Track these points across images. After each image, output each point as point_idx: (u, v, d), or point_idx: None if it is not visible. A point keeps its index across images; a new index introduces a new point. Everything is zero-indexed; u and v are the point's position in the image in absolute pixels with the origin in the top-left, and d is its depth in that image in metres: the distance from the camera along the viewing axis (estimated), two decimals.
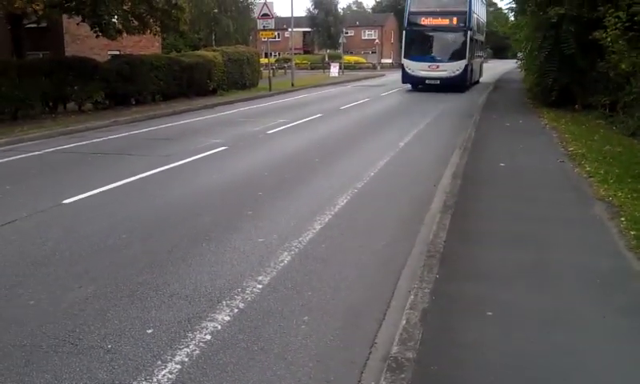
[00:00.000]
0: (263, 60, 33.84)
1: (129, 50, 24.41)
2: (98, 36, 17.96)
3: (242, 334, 3.81)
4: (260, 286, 4.56)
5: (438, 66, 25.77)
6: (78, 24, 18.76)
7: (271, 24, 25.96)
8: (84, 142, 12.06)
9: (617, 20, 11.48)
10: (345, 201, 7.19)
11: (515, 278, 4.54)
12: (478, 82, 32.12)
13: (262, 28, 26.11)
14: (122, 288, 4.52)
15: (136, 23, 18.29)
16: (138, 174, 8.64)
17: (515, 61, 32.99)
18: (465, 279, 4.54)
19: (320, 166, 9.55)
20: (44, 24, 20.64)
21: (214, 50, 25.87)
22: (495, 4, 75.40)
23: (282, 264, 5.05)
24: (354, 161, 9.98)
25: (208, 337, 3.76)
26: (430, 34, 26.42)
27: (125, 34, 18.69)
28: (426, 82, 26.18)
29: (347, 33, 65.66)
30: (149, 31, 19.19)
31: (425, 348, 3.45)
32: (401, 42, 29.20)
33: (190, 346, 3.64)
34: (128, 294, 4.42)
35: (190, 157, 10.05)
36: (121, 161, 10.10)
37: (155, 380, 3.29)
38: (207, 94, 22.71)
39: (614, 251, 5.10)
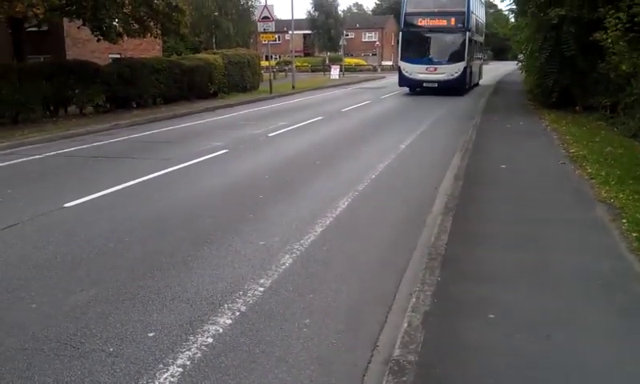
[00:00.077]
0: (264, 63, 33.90)
1: (130, 53, 24.46)
2: (99, 40, 18.01)
3: (243, 336, 3.81)
4: (261, 289, 4.56)
5: (435, 69, 25.15)
6: (78, 27, 18.81)
7: (272, 27, 26.03)
8: (85, 146, 12.07)
9: (617, 21, 11.48)
10: (346, 203, 7.19)
11: (517, 279, 4.54)
12: (477, 84, 31.51)
13: (262, 31, 26.19)
14: (123, 291, 4.52)
15: (136, 26, 18.33)
16: (140, 177, 8.65)
17: (516, 62, 32.83)
18: (466, 281, 4.54)
19: (321, 168, 9.56)
20: (45, 27, 20.72)
21: (214, 53, 25.94)
22: (495, 5, 75.49)
23: (283, 267, 5.05)
24: (355, 163, 9.99)
25: (210, 340, 3.76)
26: (428, 35, 25.71)
27: (125, 38, 18.73)
28: (424, 85, 25.59)
29: (347, 35, 65.75)
30: (149, 34, 19.24)
31: (427, 350, 3.44)
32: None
33: (192, 349, 3.64)
34: (129, 297, 4.42)
35: (191, 160, 10.05)
36: (122, 164, 10.11)
37: (157, 383, 3.29)
38: (208, 96, 22.74)
39: (616, 253, 5.10)
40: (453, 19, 25.07)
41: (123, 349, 3.65)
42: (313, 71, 54.23)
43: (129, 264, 5.12)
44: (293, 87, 29.74)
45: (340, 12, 73.50)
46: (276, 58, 57.76)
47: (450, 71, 24.87)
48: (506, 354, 3.43)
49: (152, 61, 20.68)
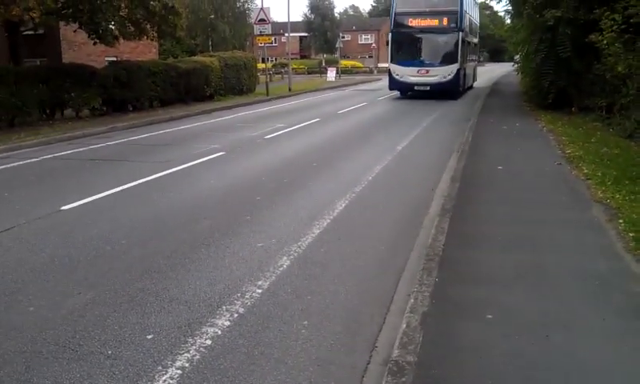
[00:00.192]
0: (260, 65, 33.88)
1: (126, 56, 24.41)
2: (95, 43, 17.99)
3: (242, 338, 3.81)
4: (260, 291, 4.57)
5: (427, 71, 23.94)
6: (75, 31, 18.77)
7: (268, 29, 26.03)
8: (82, 149, 12.06)
9: (613, 22, 11.52)
10: (343, 205, 7.20)
11: (514, 280, 4.55)
12: (471, 87, 30.52)
13: (258, 33, 26.17)
14: (121, 294, 4.52)
15: (132, 29, 18.30)
16: (137, 179, 8.64)
17: (512, 64, 32.79)
18: (464, 282, 4.55)
19: (318, 170, 9.56)
20: (41, 31, 20.65)
21: (210, 56, 25.91)
22: (491, 7, 75.70)
23: (281, 269, 5.05)
24: (352, 165, 10.00)
25: (208, 342, 3.76)
26: (419, 36, 24.42)
27: (122, 41, 18.71)
28: (415, 88, 24.40)
29: (344, 37, 65.74)
30: (146, 37, 19.21)
31: (425, 351, 3.45)
32: None
33: (191, 351, 3.64)
34: (127, 299, 4.42)
35: (188, 162, 10.05)
36: (119, 167, 10.10)
37: None
38: (205, 99, 22.74)
39: (613, 253, 5.11)
40: (445, 19, 23.88)
41: (121, 351, 3.65)
42: (309, 73, 54.30)
43: (126, 266, 5.12)
44: (289, 89, 29.76)
45: (336, 14, 73.76)
46: (272, 61, 57.71)
47: (442, 74, 23.74)
48: (505, 354, 3.44)
49: (148, 64, 20.66)
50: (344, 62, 57.29)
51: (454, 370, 3.28)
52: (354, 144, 12.50)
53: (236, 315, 4.14)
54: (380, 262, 5.35)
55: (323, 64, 56.08)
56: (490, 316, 3.91)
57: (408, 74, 24.31)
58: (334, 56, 60.00)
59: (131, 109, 19.13)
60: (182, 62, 22.90)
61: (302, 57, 71.19)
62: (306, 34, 70.31)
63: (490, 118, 16.25)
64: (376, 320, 4.12)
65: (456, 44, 23.67)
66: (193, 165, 9.91)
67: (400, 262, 5.27)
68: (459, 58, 23.70)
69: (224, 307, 4.27)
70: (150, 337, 3.83)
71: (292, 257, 5.34)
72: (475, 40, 31.61)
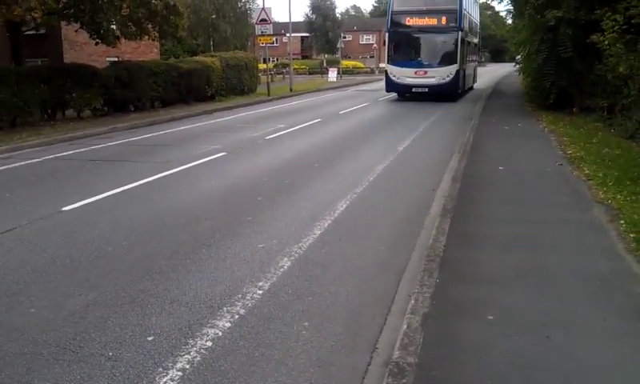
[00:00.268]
0: (261, 65, 33.88)
1: (127, 56, 24.44)
2: (96, 43, 18.00)
3: (242, 340, 3.82)
4: (260, 292, 4.57)
5: (425, 72, 22.99)
6: (76, 31, 18.79)
7: (269, 29, 26.02)
8: (83, 149, 12.07)
9: (614, 23, 11.50)
10: (344, 205, 7.20)
11: (515, 281, 4.55)
12: (472, 88, 29.69)
13: (260, 33, 26.18)
14: (122, 295, 4.52)
15: (134, 28, 18.31)
16: (138, 180, 8.64)
17: (513, 64, 32.66)
18: (465, 283, 4.55)
19: (319, 170, 9.56)
20: (42, 31, 20.68)
21: (212, 56, 25.91)
22: (493, 7, 75.64)
23: (282, 269, 5.05)
24: (353, 165, 10.00)
25: (209, 343, 3.76)
26: (416, 35, 23.38)
27: (123, 41, 18.72)
28: (413, 90, 23.40)
29: (345, 37, 65.78)
30: (147, 36, 19.22)
31: (426, 352, 3.45)
32: None
33: (191, 353, 3.64)
34: (128, 300, 4.42)
35: (189, 163, 10.06)
36: (120, 167, 10.11)
37: None
38: (206, 99, 22.75)
39: (614, 254, 5.11)
40: (444, 18, 22.88)
41: (122, 353, 3.65)
42: (310, 74, 54.28)
43: (128, 267, 5.12)
44: (290, 90, 29.77)
45: (337, 14, 73.66)
46: (274, 61, 57.75)
47: (441, 75, 22.81)
48: (506, 354, 3.44)
49: (150, 64, 20.68)
50: (345, 63, 57.27)
51: (455, 370, 3.28)
52: (355, 144, 12.50)
53: (237, 316, 4.14)
54: (381, 262, 5.35)
55: (324, 64, 56.08)
56: (490, 316, 3.91)
57: (405, 76, 23.44)
58: (335, 56, 59.95)
59: (132, 109, 19.15)
60: (183, 62, 22.91)
61: (304, 57, 71.19)
62: (307, 35, 70.33)
63: (492, 118, 16.24)
64: (377, 321, 4.12)
65: (455, 44, 22.85)
66: (194, 165, 9.92)
67: (401, 262, 5.27)
68: (458, 58, 22.93)
69: (225, 308, 4.27)
70: (150, 338, 3.83)
71: (293, 258, 5.35)
72: (475, 40, 30.70)
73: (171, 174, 9.24)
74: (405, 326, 3.78)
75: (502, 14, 50.20)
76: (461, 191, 7.46)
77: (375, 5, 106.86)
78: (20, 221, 6.57)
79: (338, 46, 54.78)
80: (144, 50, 26.86)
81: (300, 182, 8.66)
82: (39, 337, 3.86)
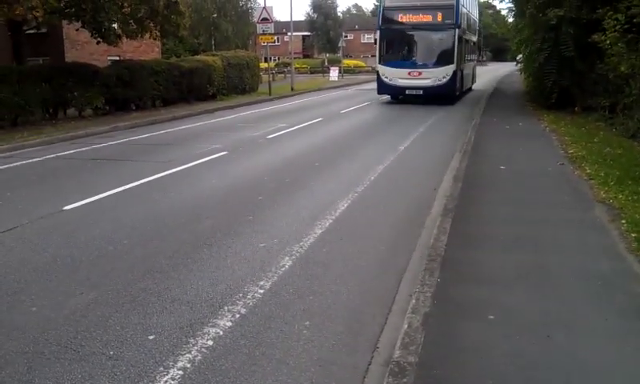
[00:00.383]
0: (263, 64, 33.91)
1: (129, 55, 24.46)
2: (98, 42, 18.01)
3: (243, 339, 3.82)
4: (261, 291, 4.57)
5: (420, 73, 21.30)
6: (77, 30, 18.80)
7: (271, 28, 26.00)
8: (84, 148, 12.07)
9: (616, 22, 11.49)
10: (345, 205, 7.20)
11: (516, 280, 4.55)
12: (470, 89, 27.99)
13: (261, 32, 26.15)
14: (123, 294, 4.53)
15: (135, 27, 18.31)
16: (139, 179, 8.65)
17: (515, 63, 32.47)
18: (466, 282, 4.55)
19: (320, 170, 9.56)
20: (44, 30, 20.70)
21: (213, 55, 25.91)
22: (494, 6, 75.58)
23: (283, 269, 5.05)
24: (354, 165, 9.99)
25: (210, 342, 3.77)
26: (410, 33, 21.80)
27: (125, 40, 18.73)
28: (406, 92, 21.58)
29: (346, 36, 65.76)
30: (148, 35, 19.22)
31: (427, 352, 3.45)
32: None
33: (192, 352, 3.64)
34: (129, 299, 4.43)
35: (191, 162, 10.06)
36: (121, 167, 10.12)
37: None
38: (207, 98, 22.74)
39: (615, 253, 5.10)
40: (440, 14, 21.24)
41: (123, 352, 3.65)
42: (312, 73, 54.22)
43: (129, 266, 5.13)
44: (292, 89, 29.75)
45: (339, 13, 73.76)
46: (275, 60, 57.77)
47: (436, 76, 21.13)
48: (506, 354, 3.44)
49: (151, 63, 20.69)
50: (347, 62, 57.23)
51: (456, 370, 3.28)
52: (356, 144, 12.50)
53: (238, 316, 4.15)
54: (382, 262, 5.35)
55: (326, 63, 56.04)
56: (491, 316, 3.90)
57: (398, 77, 21.67)
58: (336, 55, 59.96)
59: (134, 108, 19.15)
60: (184, 61, 22.92)
61: (305, 56, 71.20)
62: (308, 34, 70.32)
63: (493, 117, 16.22)
64: (378, 320, 4.12)
65: (452, 42, 21.14)
66: (195, 165, 9.92)
67: (402, 262, 5.27)
68: (456, 57, 21.23)
69: (226, 307, 4.27)
70: (151, 337, 3.83)
71: (294, 257, 5.35)
72: (474, 38, 29.01)
73: (172, 173, 9.24)
74: (406, 326, 3.78)
75: (504, 12, 50.11)
76: (462, 191, 7.45)
77: (377, 4, 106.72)
78: (21, 220, 6.58)
79: (340, 45, 54.80)
80: (145, 49, 26.88)
81: (301, 182, 8.66)
82: (40, 336, 3.87)
